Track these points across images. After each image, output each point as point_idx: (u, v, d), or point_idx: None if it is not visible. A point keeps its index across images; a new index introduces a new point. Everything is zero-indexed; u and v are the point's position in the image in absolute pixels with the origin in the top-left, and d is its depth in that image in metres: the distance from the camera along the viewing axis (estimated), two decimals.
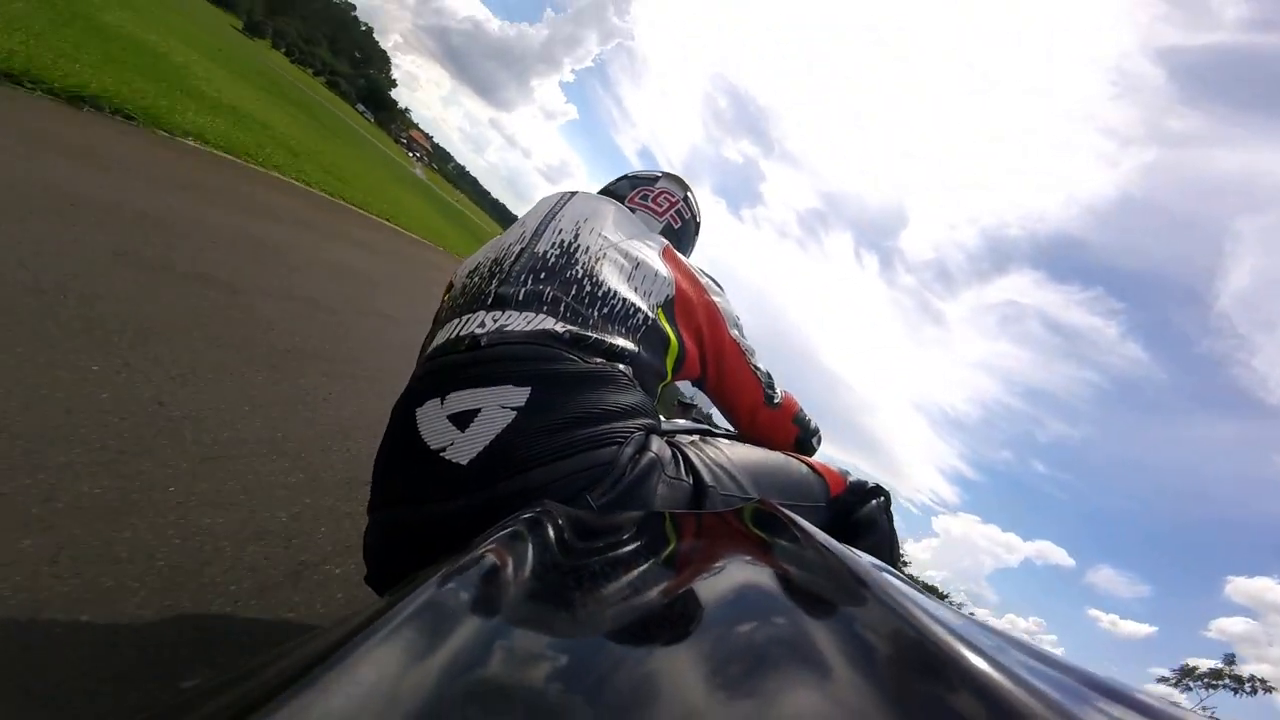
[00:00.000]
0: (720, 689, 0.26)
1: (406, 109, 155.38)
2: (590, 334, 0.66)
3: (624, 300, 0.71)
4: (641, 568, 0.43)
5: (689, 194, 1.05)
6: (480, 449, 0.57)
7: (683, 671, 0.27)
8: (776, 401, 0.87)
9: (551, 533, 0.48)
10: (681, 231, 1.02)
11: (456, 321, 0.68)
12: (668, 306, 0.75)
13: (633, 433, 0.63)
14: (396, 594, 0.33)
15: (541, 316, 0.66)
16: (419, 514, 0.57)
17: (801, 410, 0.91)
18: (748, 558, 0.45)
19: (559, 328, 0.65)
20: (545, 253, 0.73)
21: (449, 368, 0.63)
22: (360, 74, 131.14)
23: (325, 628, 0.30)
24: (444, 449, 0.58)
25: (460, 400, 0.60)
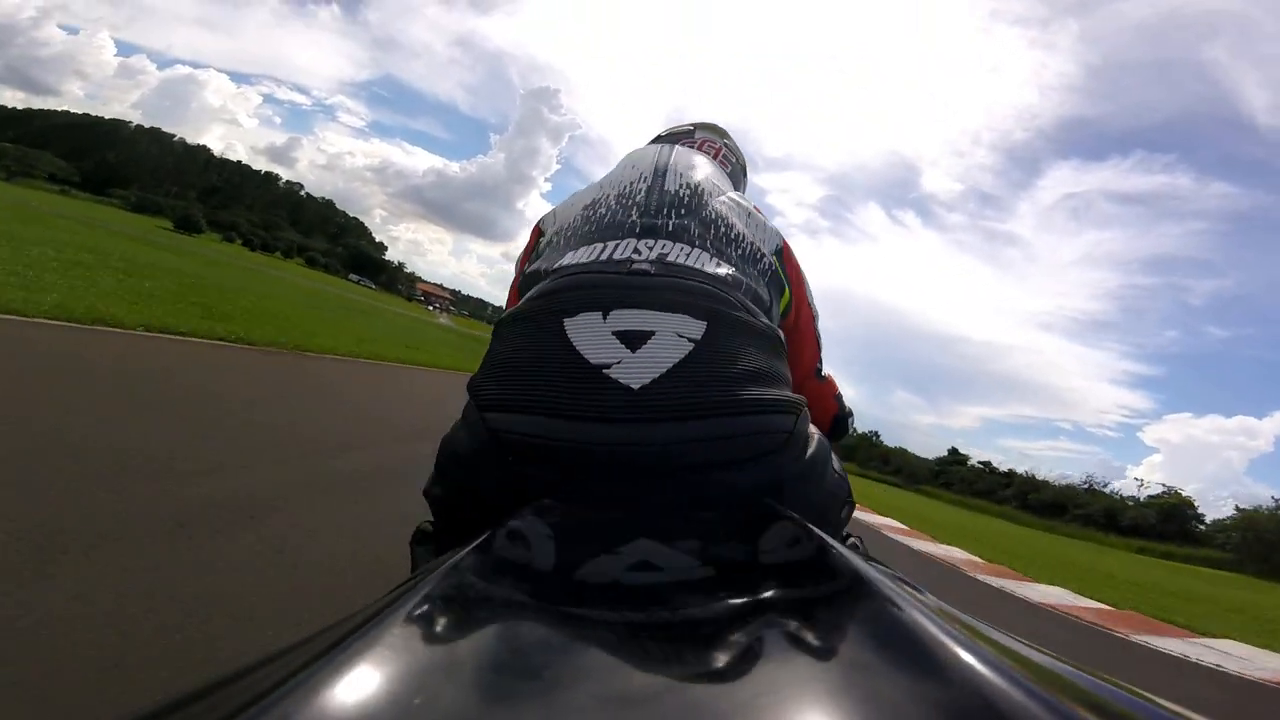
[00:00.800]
0: (719, 688, 0.26)
1: (400, 263, 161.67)
2: (743, 278, 0.65)
3: (752, 245, 0.71)
4: (642, 566, 0.43)
5: (728, 139, 1.03)
6: (656, 375, 0.52)
7: (680, 670, 0.27)
8: (824, 374, 0.87)
9: (548, 530, 0.48)
10: (732, 177, 1.00)
11: (597, 246, 0.64)
12: (779, 255, 0.74)
13: (800, 407, 0.58)
14: (395, 593, 0.33)
15: (698, 251, 0.64)
16: (567, 430, 0.51)
17: (840, 392, 0.90)
18: (749, 557, 0.45)
19: (721, 269, 0.63)
20: (677, 191, 0.71)
21: (605, 285, 0.58)
22: (339, 244, 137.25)
23: (326, 627, 0.30)
24: (608, 366, 0.53)
25: (627, 319, 0.55)
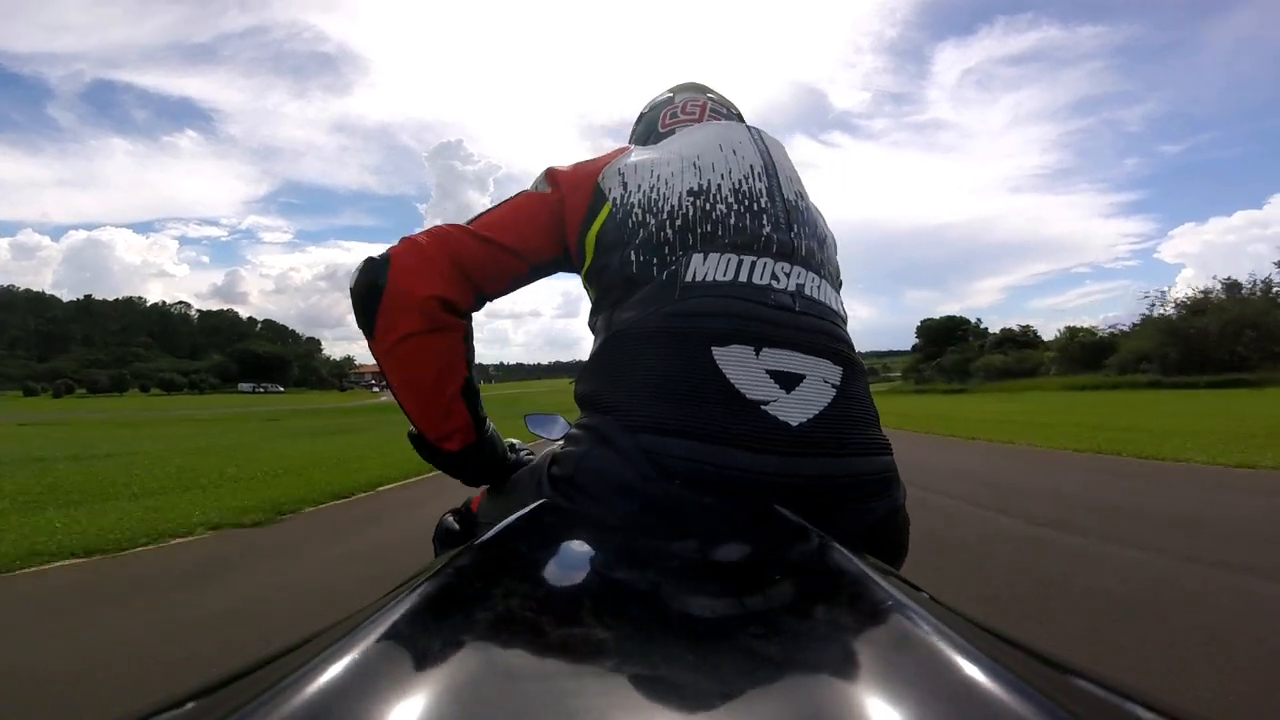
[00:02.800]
0: (719, 688, 0.26)
1: (316, 352, 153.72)
2: (845, 309, 0.70)
3: (835, 260, 0.73)
4: (643, 567, 0.44)
5: (711, 93, 0.94)
6: (810, 417, 0.56)
7: (681, 670, 0.27)
8: None
9: (550, 531, 0.48)
10: None
11: (732, 260, 0.61)
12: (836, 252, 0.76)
13: (891, 445, 0.64)
14: (395, 593, 0.33)
15: (824, 284, 0.65)
16: (731, 458, 0.53)
17: None
18: (750, 557, 0.46)
19: (838, 304, 0.67)
20: (794, 201, 0.68)
21: (753, 317, 0.58)
22: (225, 353, 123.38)
23: (326, 627, 0.30)
24: (766, 403, 0.55)
25: (779, 359, 0.57)
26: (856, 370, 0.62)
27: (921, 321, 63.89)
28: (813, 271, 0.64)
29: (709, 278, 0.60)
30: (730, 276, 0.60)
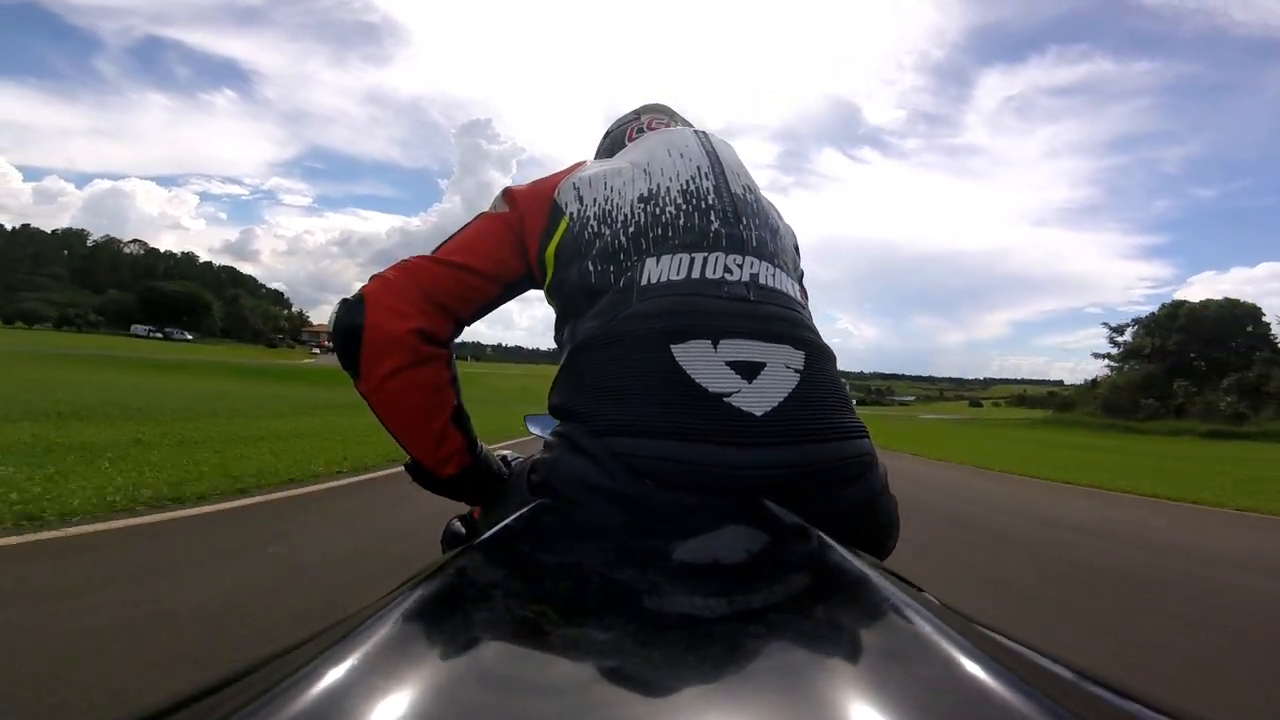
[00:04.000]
0: (719, 688, 0.26)
1: (255, 293, 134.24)
2: (805, 295, 0.70)
3: (793, 250, 0.74)
4: (628, 567, 0.44)
5: (675, 115, 0.96)
6: (774, 405, 0.55)
7: (680, 670, 0.27)
8: None
9: (545, 530, 0.49)
10: None
11: (683, 259, 0.62)
12: (798, 251, 0.77)
13: (867, 430, 0.63)
14: (396, 592, 0.33)
15: (779, 271, 0.65)
16: (699, 453, 0.53)
17: None
18: (738, 554, 0.46)
19: (796, 290, 0.67)
20: (743, 194, 0.69)
21: (709, 311, 0.58)
22: (133, 291, 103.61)
23: (326, 627, 0.30)
24: (728, 395, 0.55)
25: (738, 349, 0.57)
26: (820, 354, 0.62)
27: (1161, 307, 41.89)
28: (766, 261, 0.64)
29: (663, 279, 0.61)
30: (683, 275, 0.61)
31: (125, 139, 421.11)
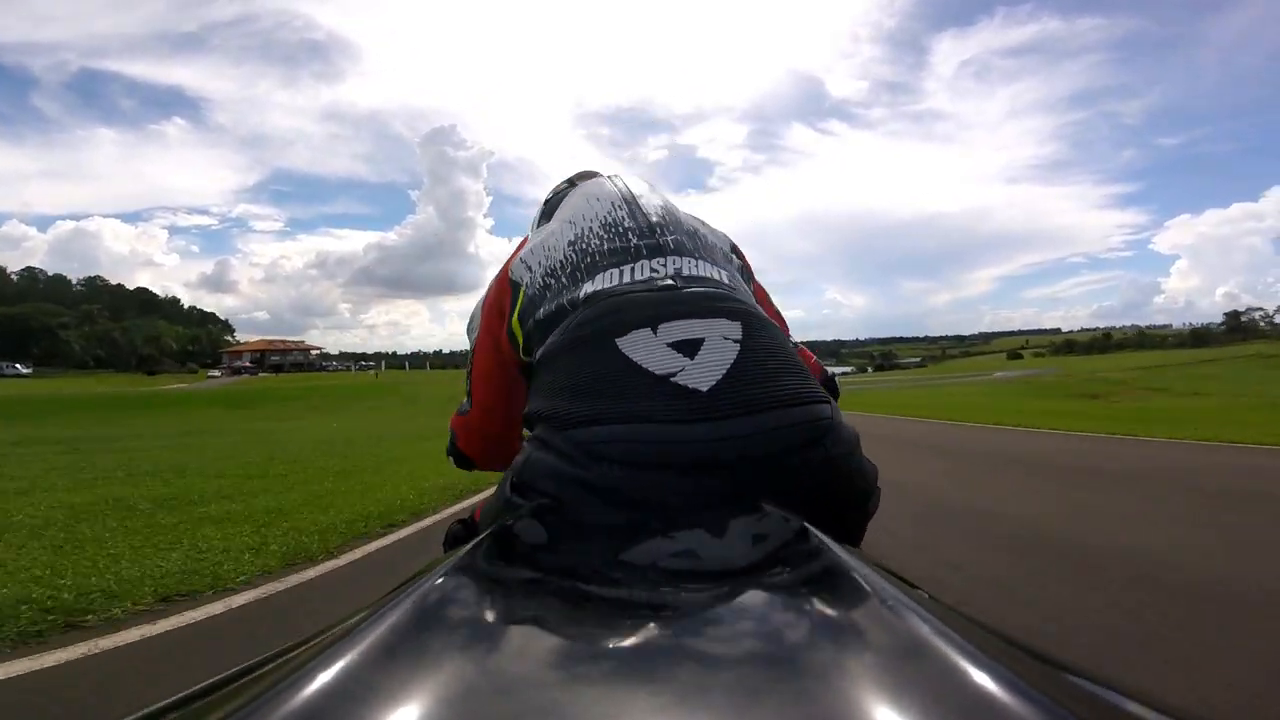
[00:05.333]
0: (718, 687, 0.26)
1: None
2: (738, 280, 0.72)
3: (721, 248, 0.77)
4: (645, 565, 0.45)
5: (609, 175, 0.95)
6: (719, 377, 0.56)
7: (679, 669, 0.28)
8: (797, 344, 0.84)
9: (543, 531, 0.52)
10: None
11: (613, 272, 0.66)
12: (736, 253, 0.81)
13: (828, 395, 0.63)
14: (397, 592, 0.34)
15: (702, 262, 0.68)
16: (652, 433, 0.54)
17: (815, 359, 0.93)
18: (747, 556, 0.46)
19: (724, 275, 0.69)
20: (658, 213, 0.74)
21: (643, 303, 0.61)
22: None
23: (326, 627, 0.31)
24: (673, 374, 0.56)
25: (676, 329, 0.58)
26: (759, 322, 0.63)
27: None
28: (687, 256, 0.68)
29: (598, 289, 0.65)
30: (615, 282, 0.65)
31: (80, 178, 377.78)
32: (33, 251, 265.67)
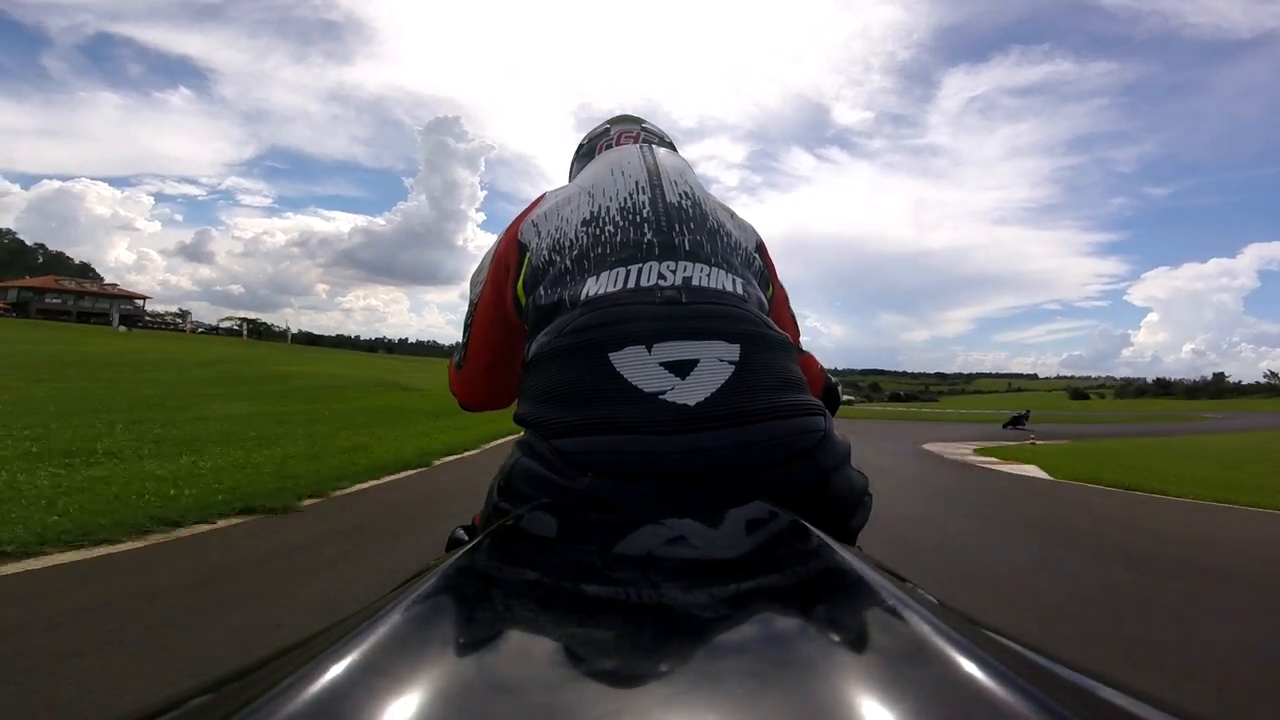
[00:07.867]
0: (717, 687, 0.26)
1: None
2: (751, 289, 0.71)
3: (744, 249, 0.76)
4: (641, 566, 0.45)
5: (645, 124, 1.03)
6: (706, 396, 0.59)
7: (678, 669, 0.27)
8: (803, 350, 0.88)
9: (543, 530, 0.54)
10: None
11: (619, 272, 0.66)
12: (760, 251, 0.79)
13: (825, 409, 0.66)
14: (396, 592, 0.34)
15: (715, 270, 0.68)
16: (636, 443, 0.58)
17: (821, 365, 0.95)
18: (747, 557, 0.47)
19: (736, 286, 0.69)
20: (679, 202, 0.73)
21: (642, 318, 0.63)
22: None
23: (326, 626, 0.31)
24: (663, 393, 0.59)
25: (671, 350, 0.60)
26: (760, 342, 0.64)
27: None
28: (701, 263, 0.68)
29: (602, 291, 0.65)
30: (620, 286, 0.65)
31: (75, 139, 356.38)
32: (8, 207, 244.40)
